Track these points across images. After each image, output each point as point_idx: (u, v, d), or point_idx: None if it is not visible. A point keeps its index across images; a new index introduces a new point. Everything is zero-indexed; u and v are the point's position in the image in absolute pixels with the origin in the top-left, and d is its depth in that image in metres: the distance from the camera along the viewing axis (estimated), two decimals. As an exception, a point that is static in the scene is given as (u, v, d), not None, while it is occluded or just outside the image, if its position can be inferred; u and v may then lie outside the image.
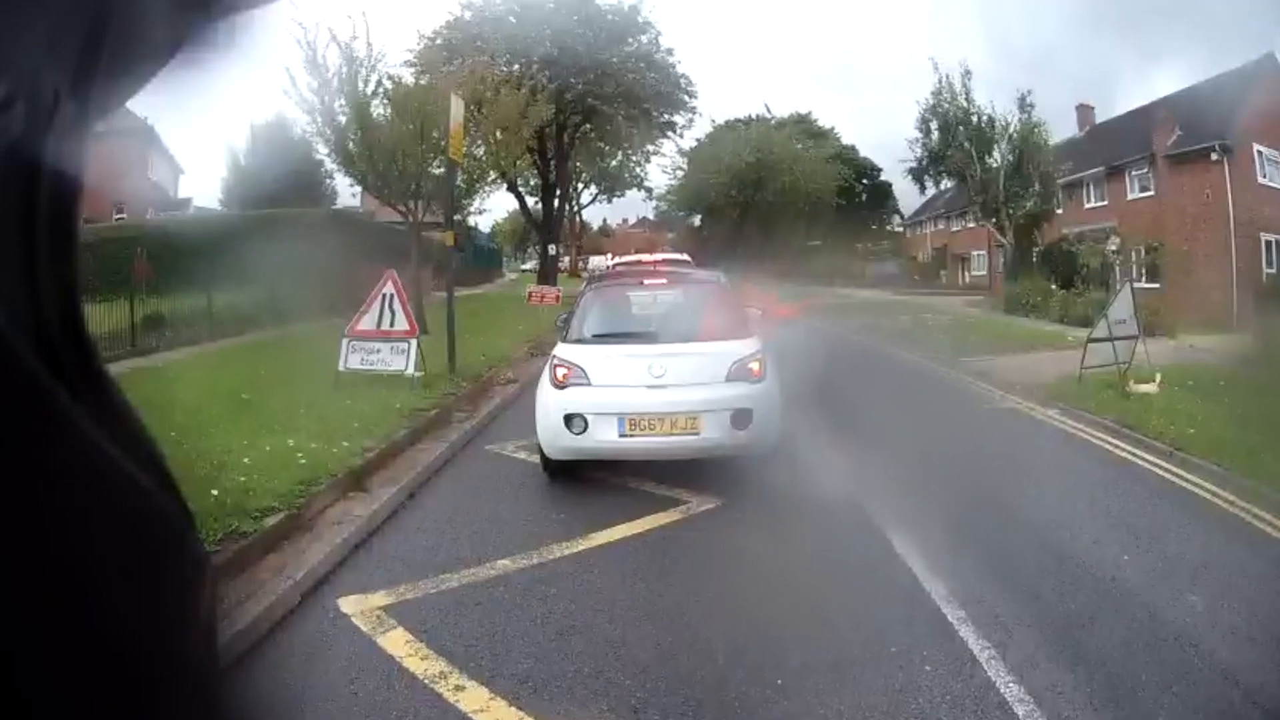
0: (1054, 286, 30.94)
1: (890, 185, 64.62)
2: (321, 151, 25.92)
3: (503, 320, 25.38)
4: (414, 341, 13.73)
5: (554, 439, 9.08)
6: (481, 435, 11.91)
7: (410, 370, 13.55)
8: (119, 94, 0.79)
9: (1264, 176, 29.58)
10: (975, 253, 49.28)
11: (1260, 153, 29.32)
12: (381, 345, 13.73)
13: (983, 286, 44.13)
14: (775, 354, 9.59)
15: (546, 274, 42.12)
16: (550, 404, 9.07)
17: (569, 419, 8.91)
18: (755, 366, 9.12)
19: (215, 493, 7.34)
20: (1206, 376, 15.42)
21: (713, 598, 6.55)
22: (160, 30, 0.77)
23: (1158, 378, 14.34)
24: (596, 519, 8.23)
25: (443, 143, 17.95)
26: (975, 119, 36.98)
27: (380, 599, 6.41)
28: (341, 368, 13.67)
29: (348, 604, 6.33)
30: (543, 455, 9.40)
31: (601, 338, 9.73)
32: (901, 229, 65.48)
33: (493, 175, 27.52)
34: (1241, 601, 6.26)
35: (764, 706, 4.99)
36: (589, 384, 9.02)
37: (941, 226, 55.61)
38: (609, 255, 50.95)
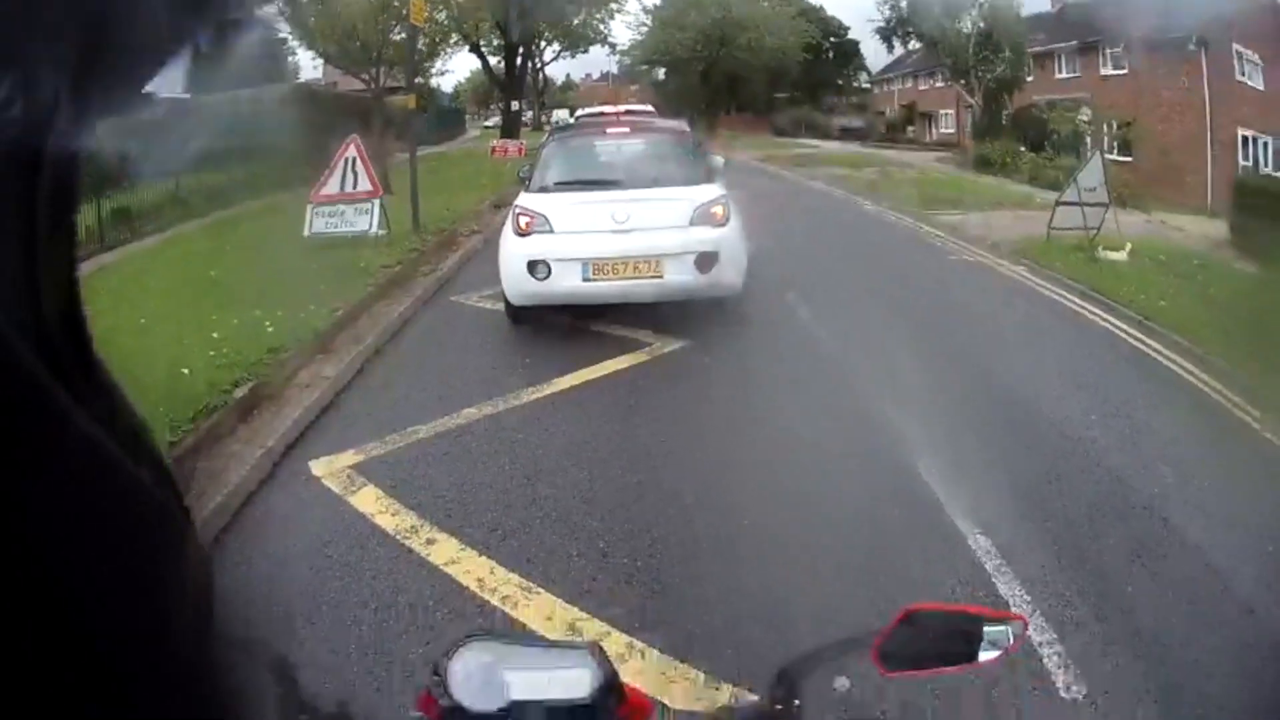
0: (1023, 149, 30.76)
1: (857, 44, 63.35)
2: (283, 29, 25.31)
3: (466, 176, 24.97)
4: (377, 201, 13.60)
5: (517, 285, 9.11)
6: (446, 287, 11.89)
7: (374, 229, 13.47)
8: (119, 94, 0.76)
9: (1243, 75, 28.80)
10: (943, 111, 48.11)
11: (1240, 52, 28.60)
12: (345, 207, 13.58)
13: (950, 144, 43.11)
14: (739, 204, 9.52)
15: (510, 128, 41.50)
16: (513, 251, 9.08)
17: (532, 265, 8.91)
18: (718, 211, 9.13)
19: (186, 371, 7.31)
20: (1179, 254, 15.39)
21: (678, 439, 6.67)
22: (160, 30, 0.76)
23: (1127, 246, 14.26)
24: (562, 363, 8.28)
25: (404, 10, 17.47)
26: (945, -16, 36.10)
27: (350, 458, 6.39)
28: (307, 233, 13.54)
29: (318, 466, 6.32)
30: (506, 302, 9.44)
31: (564, 185, 9.70)
32: (869, 86, 64.64)
33: (455, 37, 26.93)
34: (1213, 482, 6.21)
35: (730, 545, 5.07)
36: (552, 231, 9.01)
37: (909, 85, 54.22)
38: (571, 109, 50.81)
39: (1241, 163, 27.52)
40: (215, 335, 8.47)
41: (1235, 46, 28.18)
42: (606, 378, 8.01)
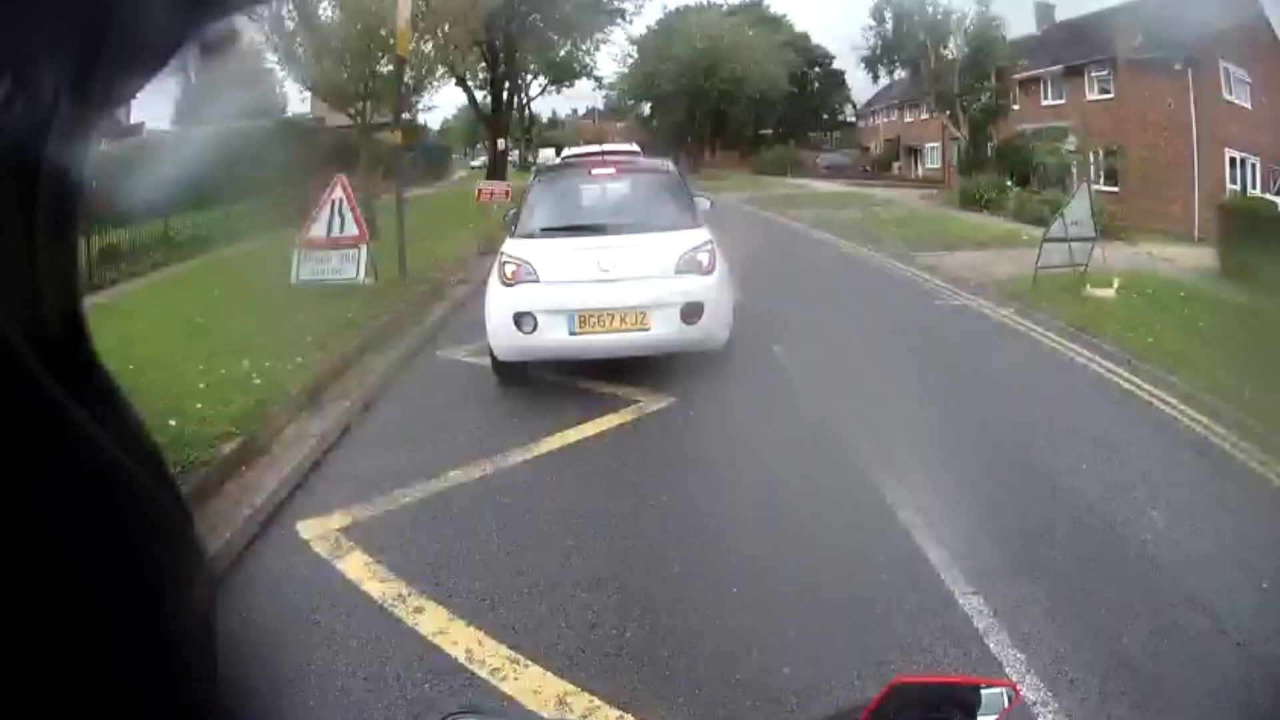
0: (1009, 183, 30.79)
1: (843, 74, 64.41)
2: (270, 60, 25.35)
3: (453, 219, 25.11)
4: (364, 247, 13.55)
5: (504, 339, 9.01)
6: (433, 341, 11.82)
7: (361, 277, 13.42)
8: (119, 94, 0.76)
9: (1230, 93, 28.85)
10: (929, 145, 48.34)
11: (1227, 70, 28.58)
12: (332, 253, 13.52)
13: (936, 180, 43.50)
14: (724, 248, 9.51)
15: (496, 169, 41.57)
16: (499, 303, 8.98)
17: (519, 318, 8.81)
18: (704, 259, 9.08)
19: (173, 422, 7.24)
20: (1166, 286, 15.34)
21: (667, 503, 6.60)
22: (160, 30, 0.75)
23: (1115, 283, 14.24)
24: (549, 423, 8.23)
25: (390, 40, 17.51)
26: (930, 9, 36.55)
27: (338, 520, 6.36)
28: (294, 280, 13.47)
29: (306, 529, 6.29)
30: (493, 358, 9.30)
31: (550, 231, 9.62)
32: (854, 119, 64.74)
33: (441, 70, 26.99)
34: (1204, 523, 6.24)
35: (722, 617, 5.01)
36: (538, 280, 8.92)
37: (894, 117, 54.49)
38: (558, 148, 51.13)
39: (1229, 185, 27.47)
40: (202, 385, 8.43)
41: (1223, 64, 28.24)
42: (594, 438, 7.97)
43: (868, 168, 53.95)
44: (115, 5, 0.70)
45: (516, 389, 9.38)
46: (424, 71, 24.92)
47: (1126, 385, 9.81)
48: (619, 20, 50.51)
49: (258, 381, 8.72)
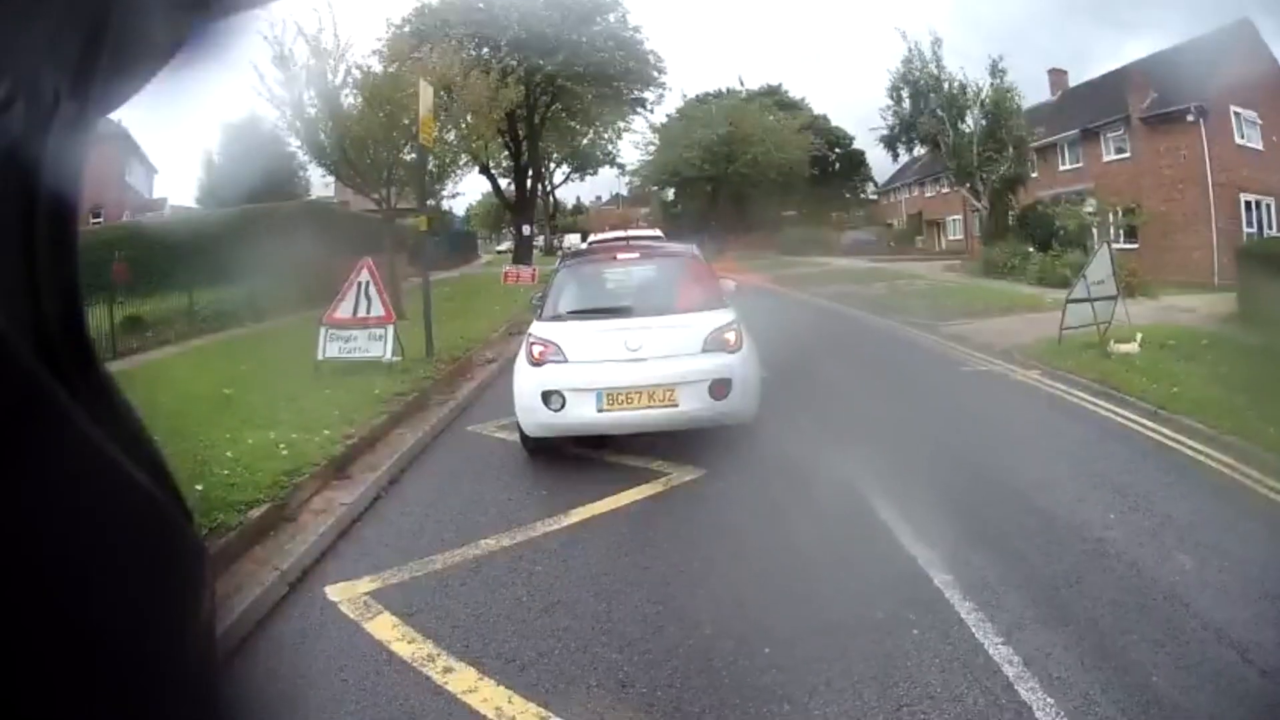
0: (1031, 249, 30.71)
1: (863, 153, 63.63)
2: (293, 144, 25.85)
3: (479, 302, 25.21)
4: (390, 327, 13.68)
5: (532, 416, 9.10)
6: (462, 417, 11.88)
7: (388, 356, 13.52)
8: (119, 94, 0.79)
9: (1242, 137, 29.23)
10: (950, 218, 48.68)
11: (1238, 114, 28.97)
12: (358, 332, 13.66)
13: (959, 251, 43.58)
14: (752, 324, 9.60)
15: (521, 254, 42.02)
16: (528, 382, 9.08)
17: (546, 396, 8.91)
18: (731, 337, 9.17)
19: (200, 488, 7.32)
20: (1188, 336, 15.30)
21: (697, 569, 6.56)
22: (160, 30, 0.78)
23: (1138, 337, 14.23)
24: (578, 495, 8.20)
25: (413, 129, 17.82)
26: (946, 86, 36.52)
27: (366, 584, 6.40)
28: (320, 356, 13.61)
29: (334, 592, 6.32)
30: (522, 433, 9.43)
31: (577, 314, 9.75)
32: (876, 196, 64.35)
33: (464, 158, 27.40)
34: (1231, 560, 6.22)
35: (752, 676, 4.96)
36: (566, 360, 9.02)
37: (915, 193, 54.93)
38: (583, 234, 51.87)
39: (1246, 230, 27.87)
40: (229, 454, 8.51)
41: (1233, 109, 28.67)
42: (623, 509, 7.94)
43: (891, 243, 53.60)
44: (114, 7, 0.73)
45: (545, 463, 9.41)
46: (447, 160, 25.29)
47: (1152, 435, 9.82)
48: (639, 110, 51.10)
49: (285, 452, 8.78)
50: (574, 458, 9.43)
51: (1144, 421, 10.29)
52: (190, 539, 0.82)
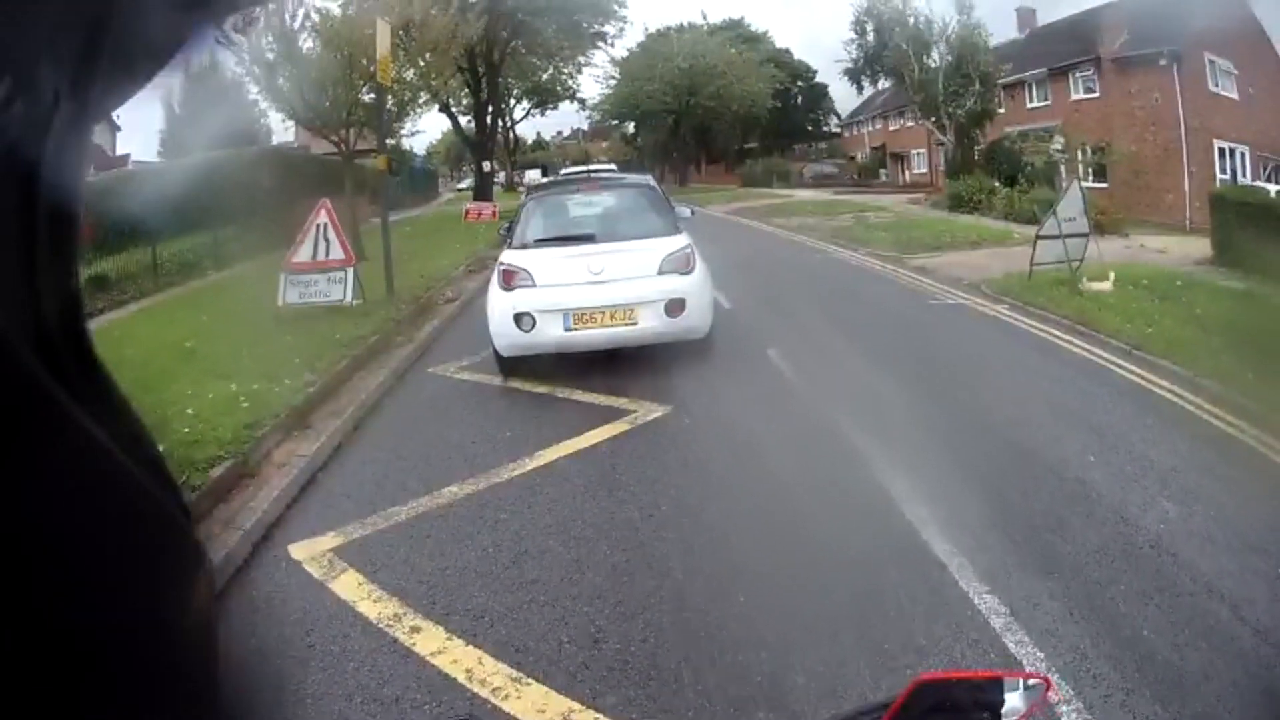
0: (997, 184, 30.64)
1: (826, 87, 64.37)
2: (253, 91, 25.25)
3: (441, 240, 25.02)
4: (350, 270, 13.41)
5: (505, 337, 9.83)
6: (423, 358, 11.70)
7: (349, 299, 13.27)
8: (119, 94, 0.78)
9: (1216, 85, 28.96)
10: (915, 151, 48.49)
11: (1212, 61, 28.69)
12: (318, 276, 13.37)
13: (924, 185, 43.30)
14: (714, 256, 10.02)
15: (482, 191, 41.45)
16: (500, 305, 9.81)
17: (518, 318, 9.66)
18: (685, 260, 9.95)
19: (161, 447, 7.06)
20: (1162, 277, 15.13)
21: (666, 512, 6.44)
22: (160, 30, 0.78)
23: (1111, 276, 14.09)
24: (543, 436, 8.14)
25: (372, 69, 17.41)
26: (912, 20, 36.27)
27: (330, 541, 6.21)
28: (280, 303, 13.31)
29: (298, 550, 6.14)
30: (496, 353, 10.08)
31: (543, 242, 10.50)
32: (839, 130, 64.53)
33: (424, 97, 26.93)
34: (1216, 509, 6.12)
35: (728, 625, 4.85)
36: (534, 285, 9.77)
37: (879, 126, 54.64)
38: (543, 168, 52.24)
39: (1220, 176, 27.51)
40: (190, 411, 8.28)
41: (1208, 56, 28.28)
42: (589, 449, 7.84)
43: (854, 176, 53.76)
44: (114, 6, 0.72)
45: (508, 402, 9.47)
46: (406, 98, 24.82)
47: (1128, 375, 9.73)
48: (600, 44, 50.39)
49: (245, 404, 8.55)
50: (538, 396, 9.48)
51: (1118, 361, 10.21)
52: (190, 539, 0.81)
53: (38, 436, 0.63)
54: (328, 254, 13.34)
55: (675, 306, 9.70)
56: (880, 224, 26.20)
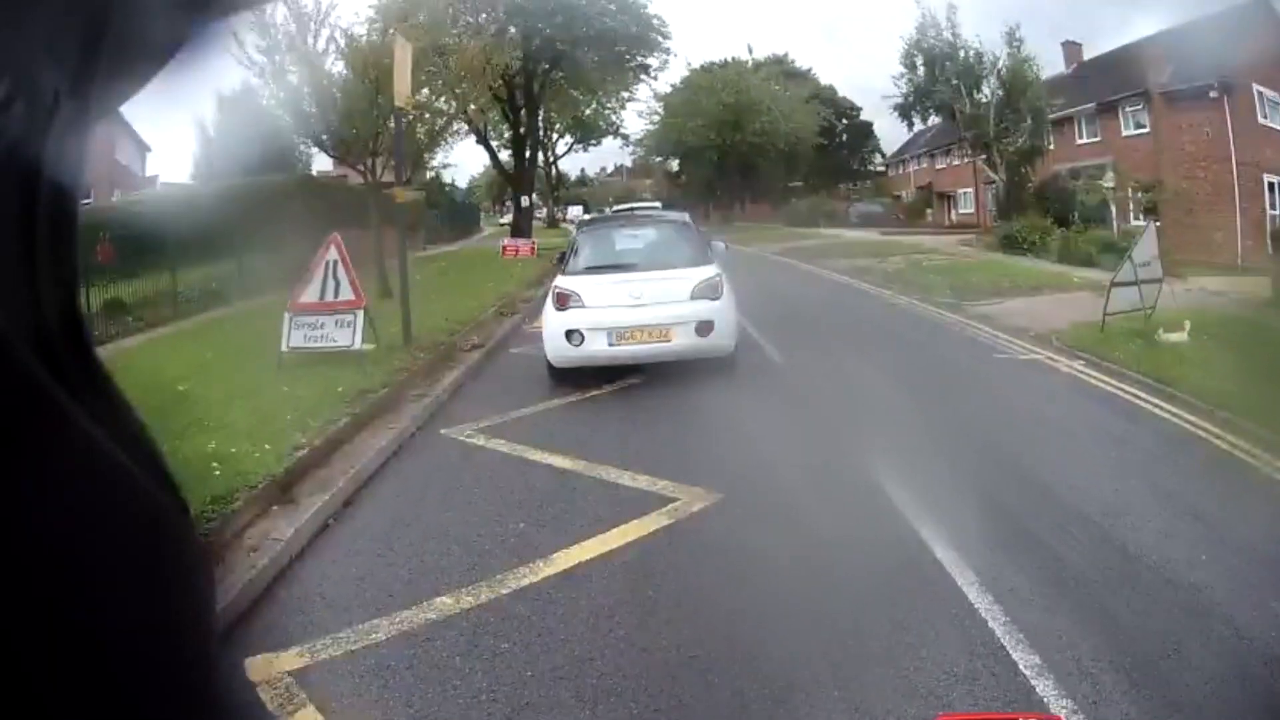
0: (1051, 224, 29.71)
1: (871, 124, 64.00)
2: (285, 116, 24.51)
3: (473, 277, 23.94)
4: (360, 312, 12.34)
5: (558, 350, 11.46)
6: (436, 416, 10.60)
7: (357, 344, 12.22)
8: (119, 94, 0.80)
9: (1264, 117, 28.34)
10: (962, 191, 48.12)
11: (1260, 93, 28.12)
12: (325, 319, 12.29)
13: (970, 225, 42.62)
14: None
15: (520, 226, 40.47)
16: (554, 323, 11.46)
17: (569, 334, 11.26)
18: (714, 287, 11.48)
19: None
20: (1232, 323, 14.42)
21: (711, 649, 5.07)
22: (160, 30, 0.79)
23: (1186, 325, 13.12)
24: (562, 528, 6.95)
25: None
26: (962, 54, 35.44)
27: (293, 660, 5.10)
28: (284, 347, 12.27)
29: (255, 668, 4.99)
30: (549, 364, 11.73)
31: (592, 269, 12.17)
32: (884, 168, 64.18)
33: (456, 125, 26.10)
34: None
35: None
36: (584, 306, 11.31)
37: (925, 165, 54.33)
38: (584, 205, 53.25)
39: (1270, 211, 27.16)
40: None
41: (1256, 87, 27.81)
42: (617, 552, 6.51)
43: (899, 215, 53.20)
44: (114, 6, 0.73)
45: (527, 480, 8.27)
46: (438, 126, 23.90)
47: (1220, 444, 8.79)
48: (643, 76, 49.26)
49: (218, 472, 7.47)
50: (563, 474, 8.29)
51: (1206, 426, 9.22)
52: (191, 539, 0.82)
53: (38, 436, 0.63)
54: (337, 294, 12.35)
55: (705, 327, 11.20)
56: (934, 267, 25.08)
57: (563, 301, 11.37)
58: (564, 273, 12.18)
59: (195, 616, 0.77)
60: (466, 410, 10.70)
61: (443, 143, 25.33)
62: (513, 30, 33.83)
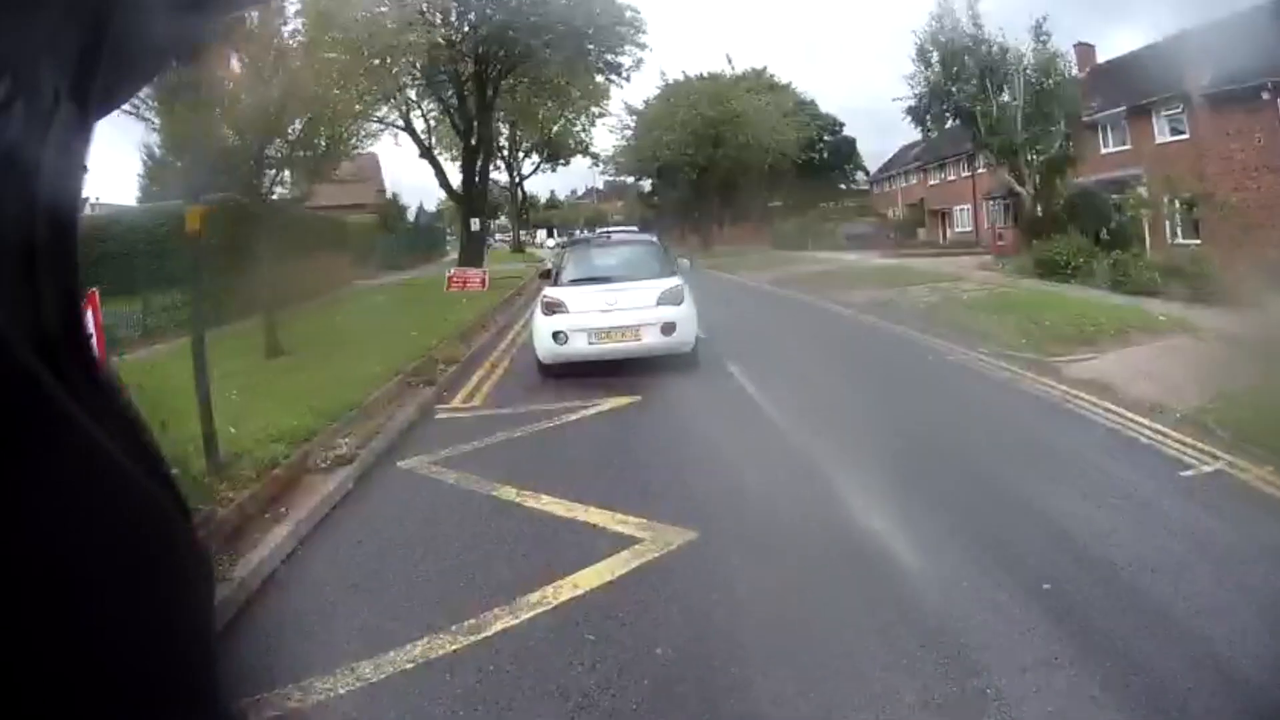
0: (1095, 244, 25.66)
1: (854, 141, 65.36)
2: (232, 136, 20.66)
3: (403, 320, 19.13)
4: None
5: (546, 349, 13.55)
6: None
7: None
8: (119, 94, 0.83)
9: None
10: (959, 207, 47.13)
11: None
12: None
13: (969, 243, 41.04)
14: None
15: (470, 254, 34.71)
16: (543, 326, 13.58)
17: (555, 334, 13.40)
18: (676, 294, 13.74)
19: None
20: None
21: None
22: (160, 30, 0.81)
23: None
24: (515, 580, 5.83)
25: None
26: (986, 49, 31.39)
27: None
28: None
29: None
30: (538, 361, 13.76)
31: (575, 281, 14.63)
32: (868, 186, 64.89)
33: (371, 127, 22.16)
34: None
35: None
36: (568, 312, 13.55)
37: (916, 180, 53.81)
38: (549, 229, 60.42)
39: None
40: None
41: None
42: (589, 596, 5.59)
43: (891, 235, 51.26)
44: (114, 6, 0.74)
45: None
46: (336, 132, 19.14)
47: None
48: (613, 77, 43.59)
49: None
50: (531, 517, 7.24)
51: None
52: (190, 539, 0.83)
53: (38, 436, 0.63)
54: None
55: (669, 328, 13.33)
56: (975, 302, 19.92)
57: (551, 308, 13.57)
58: (553, 284, 14.64)
59: (194, 616, 0.78)
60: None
61: (345, 150, 20.62)
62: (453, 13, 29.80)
